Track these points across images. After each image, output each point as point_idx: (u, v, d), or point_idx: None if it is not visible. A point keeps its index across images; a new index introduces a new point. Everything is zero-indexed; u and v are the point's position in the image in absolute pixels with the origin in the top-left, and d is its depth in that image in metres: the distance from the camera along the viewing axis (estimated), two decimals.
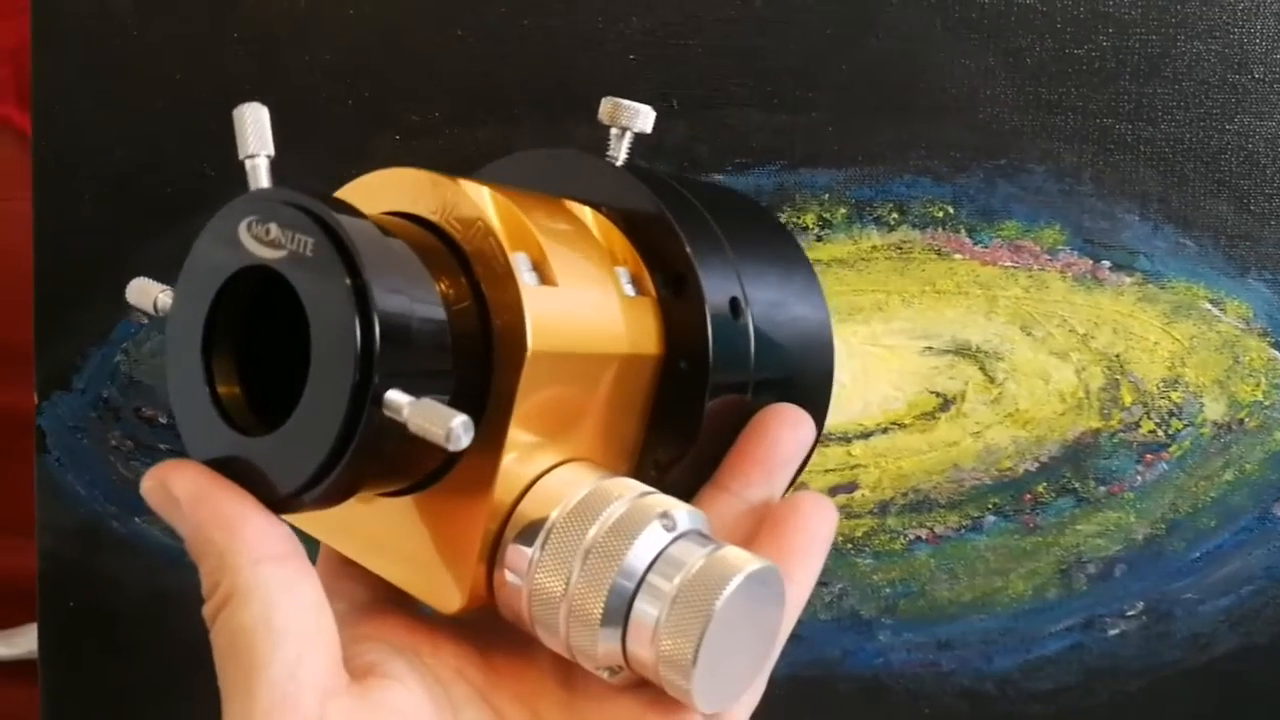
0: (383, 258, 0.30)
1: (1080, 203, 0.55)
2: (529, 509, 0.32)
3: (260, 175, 0.32)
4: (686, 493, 0.37)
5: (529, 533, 0.32)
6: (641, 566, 0.31)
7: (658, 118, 0.53)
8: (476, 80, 0.53)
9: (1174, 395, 0.56)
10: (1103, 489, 0.57)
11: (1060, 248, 0.55)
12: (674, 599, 0.30)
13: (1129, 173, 0.55)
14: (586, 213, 0.37)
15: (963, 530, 0.57)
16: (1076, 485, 0.57)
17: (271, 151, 0.32)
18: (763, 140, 0.54)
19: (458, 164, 0.54)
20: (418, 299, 0.30)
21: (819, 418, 0.40)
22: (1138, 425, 0.56)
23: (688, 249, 0.36)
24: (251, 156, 0.32)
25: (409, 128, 0.53)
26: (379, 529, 0.35)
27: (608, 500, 0.32)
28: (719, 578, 0.30)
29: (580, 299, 0.34)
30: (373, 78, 0.53)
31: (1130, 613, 0.58)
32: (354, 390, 0.28)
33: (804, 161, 0.54)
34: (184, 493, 0.31)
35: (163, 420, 0.55)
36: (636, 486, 0.33)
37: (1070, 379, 0.56)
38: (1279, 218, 0.55)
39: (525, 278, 0.32)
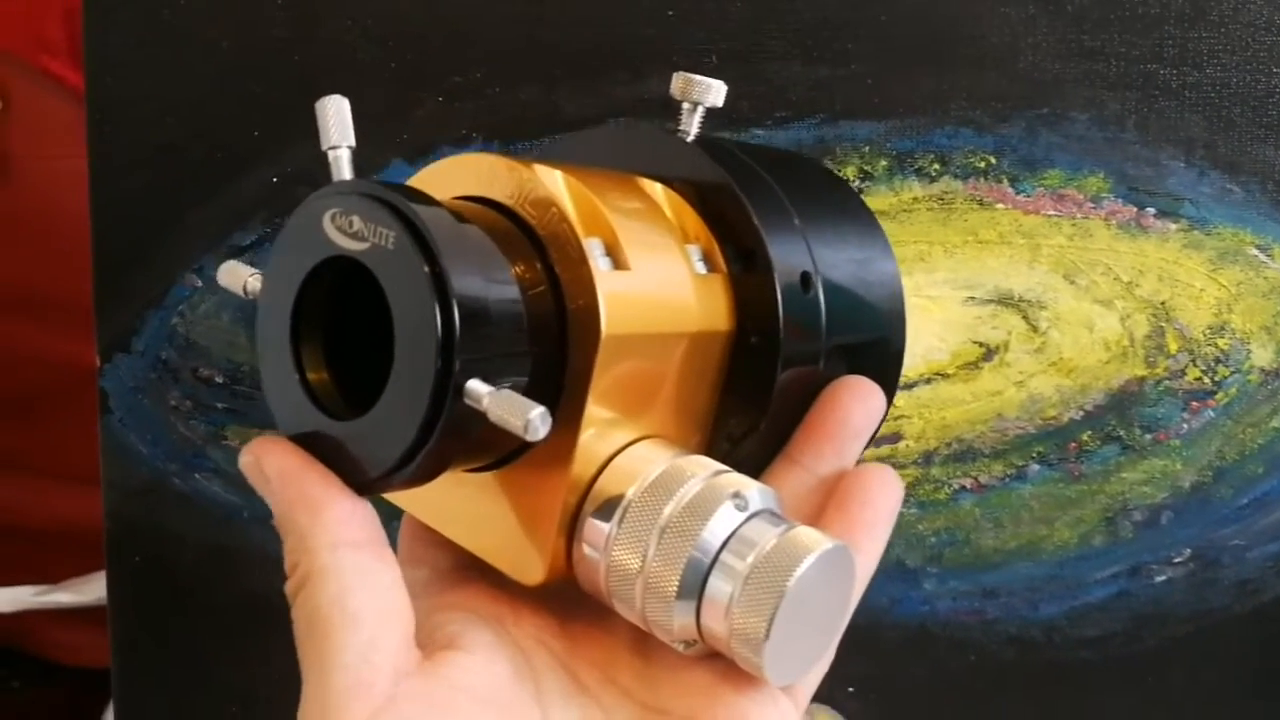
0: (461, 248, 0.31)
1: (1124, 150, 0.55)
2: (606, 485, 0.34)
3: (343, 166, 0.33)
4: (758, 464, 0.38)
5: (607, 508, 0.33)
6: (716, 544, 0.32)
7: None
8: (517, 41, 0.54)
9: (1220, 342, 0.56)
10: (1148, 437, 0.57)
11: (1104, 196, 0.55)
12: (747, 577, 0.31)
13: (1174, 119, 0.54)
14: (658, 190, 0.38)
15: (1007, 479, 0.57)
16: (1122, 433, 0.57)
17: (353, 142, 0.33)
18: (802, 94, 0.54)
19: (500, 124, 0.55)
20: (496, 286, 0.31)
21: (891, 384, 0.41)
22: (1183, 373, 0.56)
23: (756, 223, 0.36)
24: (334, 148, 0.33)
25: (450, 89, 0.54)
26: (462, 502, 0.36)
27: (682, 478, 0.33)
28: (791, 557, 0.31)
29: (652, 280, 0.34)
30: (413, 40, 0.53)
31: (1177, 560, 0.58)
32: (436, 381, 0.30)
33: (844, 114, 0.54)
34: (274, 471, 0.32)
35: (219, 380, 0.57)
36: (710, 464, 0.34)
37: (1115, 327, 0.56)
38: None
39: (599, 262, 0.33)
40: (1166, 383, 0.56)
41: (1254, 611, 0.58)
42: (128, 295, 0.56)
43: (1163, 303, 0.56)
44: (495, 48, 0.54)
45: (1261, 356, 0.56)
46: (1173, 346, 0.56)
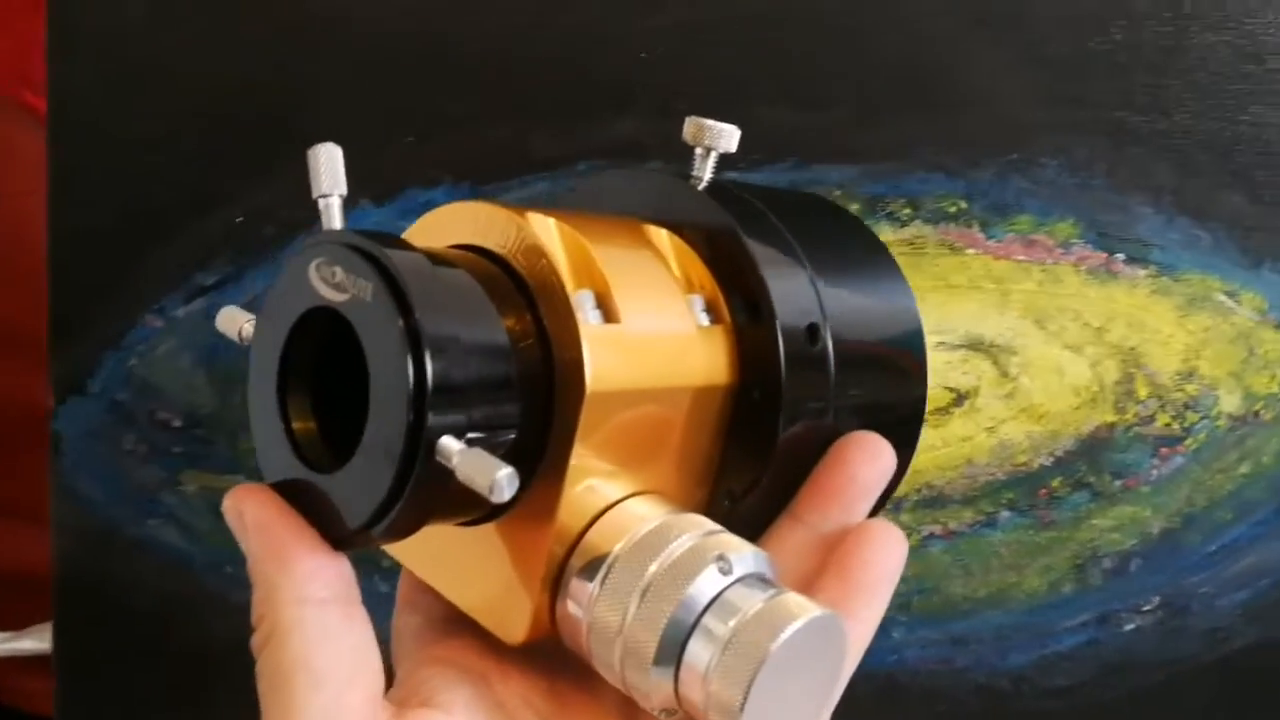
0: (441, 300, 0.30)
1: (1094, 196, 0.55)
2: (594, 542, 0.33)
3: (333, 215, 0.33)
4: (762, 522, 0.37)
5: (592, 566, 0.32)
6: (698, 608, 0.31)
7: (672, 115, 0.53)
8: (489, 82, 0.53)
9: (1189, 388, 0.56)
10: (1118, 483, 0.56)
11: (1074, 241, 0.55)
12: (727, 643, 0.30)
13: (1142, 165, 0.55)
14: (664, 237, 0.37)
15: (977, 526, 0.57)
16: (1092, 479, 0.56)
17: (344, 190, 0.33)
18: (777, 137, 0.54)
19: (471, 166, 0.54)
20: (477, 340, 0.31)
21: (911, 438, 0.40)
22: (1153, 419, 0.56)
23: (760, 272, 0.35)
24: (325, 196, 0.33)
25: (420, 130, 0.53)
26: (450, 554, 0.35)
27: (671, 537, 0.32)
28: (773, 625, 0.30)
29: (645, 334, 0.33)
30: (383, 80, 0.53)
31: (1146, 607, 0.57)
32: (407, 437, 0.29)
33: (817, 158, 0.54)
34: (251, 519, 0.32)
35: (177, 424, 0.55)
36: (703, 523, 0.33)
37: (1084, 373, 0.56)
38: None
39: (588, 315, 0.32)
40: (1136, 429, 0.56)
41: (1223, 660, 0.58)
42: (84, 336, 0.55)
43: (1132, 348, 0.56)
44: (466, 88, 0.53)
45: (1229, 402, 0.56)
46: (1142, 392, 0.56)
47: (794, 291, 0.36)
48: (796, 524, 0.36)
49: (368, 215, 0.53)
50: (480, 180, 0.53)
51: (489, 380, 0.31)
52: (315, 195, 0.33)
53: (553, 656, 0.35)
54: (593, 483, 0.33)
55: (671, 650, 0.31)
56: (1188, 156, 0.55)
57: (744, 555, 0.32)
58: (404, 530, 0.31)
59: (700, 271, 0.36)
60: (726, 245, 0.36)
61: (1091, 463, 0.56)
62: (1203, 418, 0.56)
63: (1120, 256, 0.55)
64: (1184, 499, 0.57)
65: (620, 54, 0.53)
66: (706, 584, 0.31)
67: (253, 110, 0.53)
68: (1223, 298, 0.56)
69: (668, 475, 0.35)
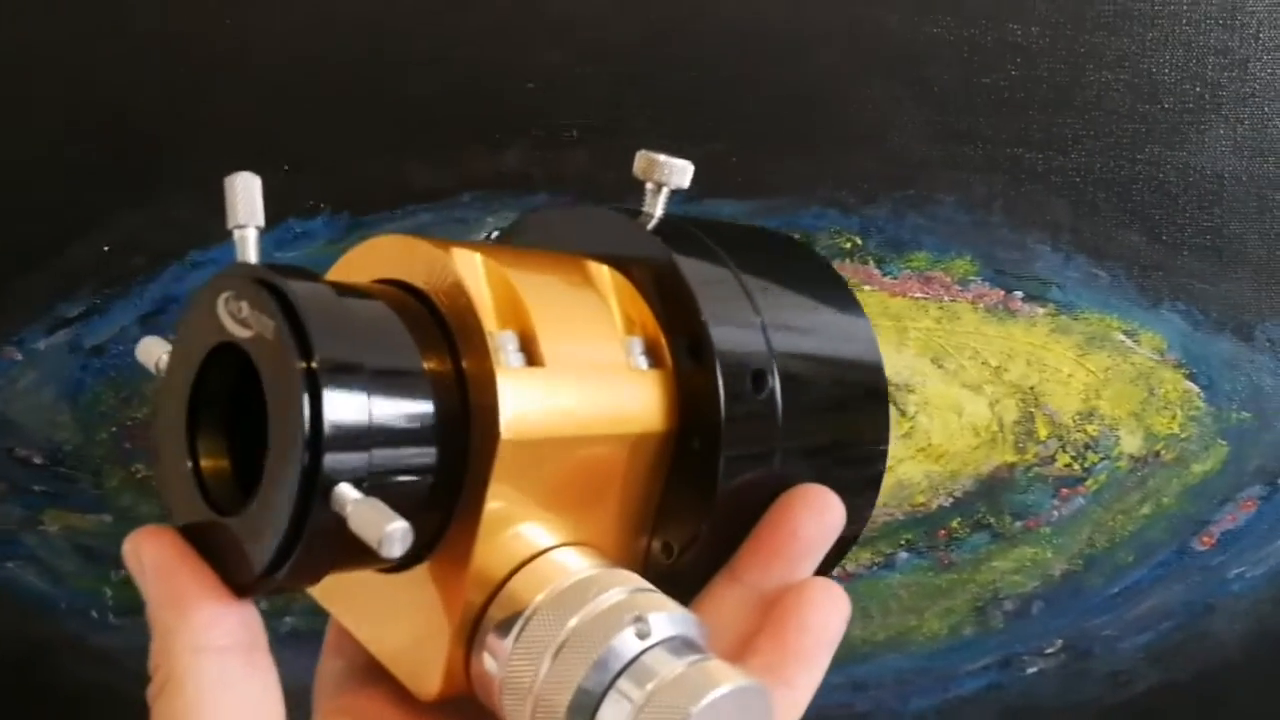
0: (349, 339, 0.29)
1: (991, 233, 0.54)
2: (514, 592, 0.31)
3: (248, 248, 0.31)
4: (701, 578, 0.35)
5: (510, 619, 0.30)
6: (615, 669, 0.29)
7: (557, 148, 0.52)
8: (368, 110, 0.51)
9: (1089, 428, 0.55)
10: (1018, 524, 0.55)
11: (971, 279, 0.54)
12: (640, 708, 0.28)
13: (1040, 203, 0.54)
14: (605, 275, 0.35)
15: (875, 568, 0.55)
16: (991, 520, 0.55)
17: (261, 223, 0.31)
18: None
19: (350, 196, 0.53)
20: (387, 381, 0.29)
21: (869, 488, 0.38)
22: (1053, 459, 0.55)
23: (702, 315, 0.33)
24: (241, 227, 0.31)
25: (296, 160, 0.52)
26: (370, 599, 0.34)
27: (594, 593, 0.30)
28: (691, 692, 0.28)
29: (571, 379, 0.32)
30: (255, 107, 0.51)
31: (1049, 650, 0.56)
32: (302, 482, 0.27)
33: (708, 193, 0.53)
34: (149, 562, 0.30)
35: (38, 461, 0.53)
36: (630, 580, 0.31)
37: (983, 412, 0.55)
38: (1191, 248, 0.54)
39: (510, 357, 0.31)
40: (1036, 469, 0.55)
41: (1126, 703, 0.57)
42: None
43: (1031, 387, 0.55)
44: (344, 116, 0.51)
45: (1130, 443, 0.55)
46: (1042, 432, 0.55)
47: (739, 335, 0.34)
48: (734, 582, 0.34)
49: None
50: (360, 210, 0.52)
51: (399, 423, 0.29)
52: (230, 225, 0.31)
53: (472, 712, 0.33)
54: (518, 530, 0.31)
55: (584, 713, 0.29)
56: (1085, 195, 0.54)
57: (666, 617, 0.30)
58: (306, 578, 0.30)
59: (643, 312, 0.35)
60: (670, 284, 0.34)
61: (991, 503, 0.55)
62: (1104, 458, 0.55)
63: (1018, 294, 0.54)
64: (1085, 540, 0.56)
65: (505, 84, 0.52)
66: (624, 645, 0.29)
67: (122, 137, 0.51)
68: (1122, 337, 0.55)
69: (604, 525, 0.33)
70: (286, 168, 0.51)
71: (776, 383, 0.34)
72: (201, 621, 0.29)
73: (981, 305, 0.54)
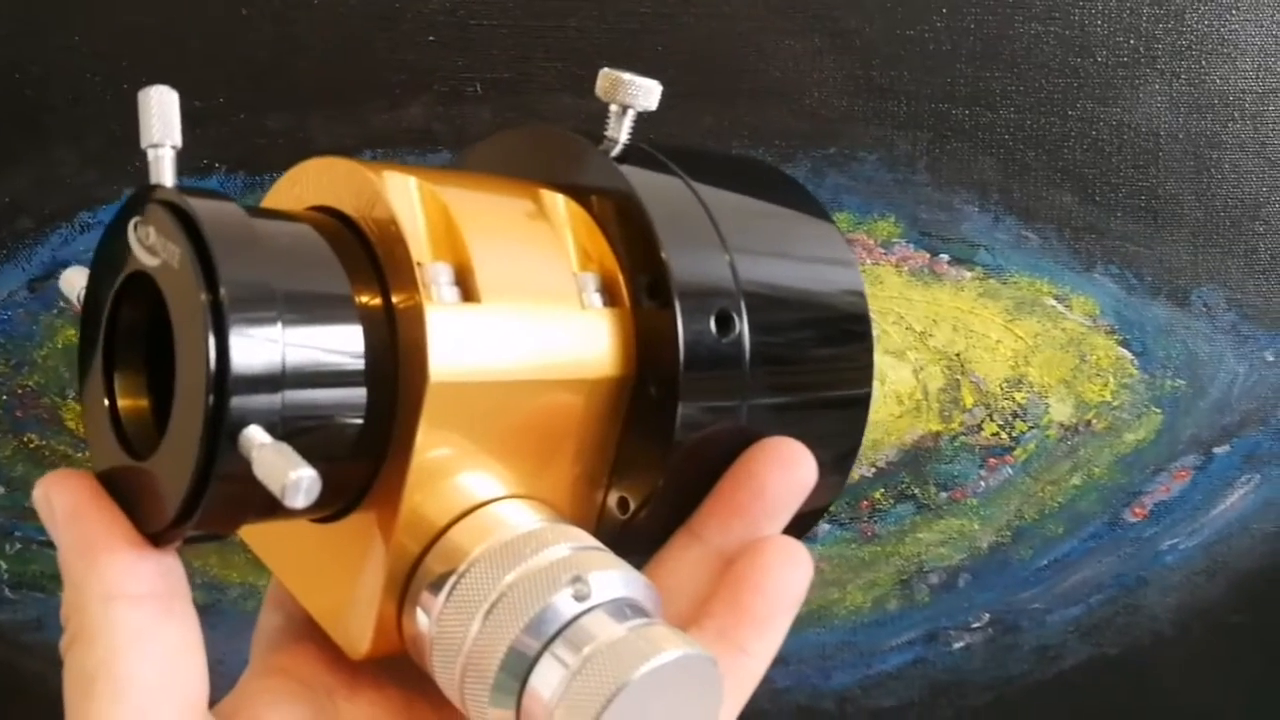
0: (261, 272, 0.26)
1: (916, 193, 0.52)
2: (449, 548, 0.29)
3: (163, 169, 0.28)
4: (660, 536, 0.32)
5: (443, 576, 0.28)
6: (550, 631, 0.27)
7: (460, 103, 0.50)
8: (265, 64, 0.49)
9: (1018, 396, 0.53)
10: (944, 495, 0.54)
11: (895, 240, 0.52)
12: (575, 673, 0.26)
13: (967, 161, 0.52)
14: (559, 205, 0.32)
15: None
16: (916, 491, 0.54)
17: (178, 141, 0.28)
18: (573, 126, 0.50)
19: (247, 154, 0.51)
20: (307, 315, 0.27)
21: (848, 445, 0.35)
22: (980, 428, 0.53)
23: (661, 251, 0.30)
24: (156, 146, 0.28)
25: (190, 113, 0.49)
26: (303, 553, 0.31)
27: (533, 548, 0.28)
28: (630, 659, 0.26)
29: (512, 316, 0.29)
30: (147, 59, 0.49)
31: (975, 625, 0.55)
32: (207, 425, 0.25)
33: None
34: (61, 509, 0.28)
35: None
36: (578, 537, 0.29)
37: (908, 379, 0.53)
38: (1125, 209, 0.52)
39: (442, 292, 0.28)
40: (963, 438, 0.54)
41: (1056, 678, 0.55)
42: None
43: (958, 354, 0.53)
44: (241, 71, 0.49)
45: (1060, 411, 0.53)
46: (968, 400, 0.53)
47: (703, 273, 0.31)
48: (693, 540, 0.32)
49: None
50: (256, 169, 0.50)
51: (319, 363, 0.27)
52: (145, 145, 0.28)
53: (411, 672, 0.31)
54: (456, 480, 0.29)
55: (515, 676, 0.27)
56: (1014, 153, 0.52)
57: (609, 575, 0.28)
58: (219, 526, 0.28)
59: (600, 246, 0.32)
60: (629, 216, 0.31)
61: (916, 474, 0.54)
62: (1032, 427, 0.54)
63: (944, 257, 0.52)
64: (1013, 511, 0.54)
65: (407, 37, 0.49)
66: (562, 605, 0.27)
67: (4, 93, 0.49)
68: (1053, 302, 0.53)
69: (556, 478, 0.31)
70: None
71: (744, 325, 0.31)
72: (114, 569, 0.27)
73: (906, 268, 0.52)
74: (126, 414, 0.29)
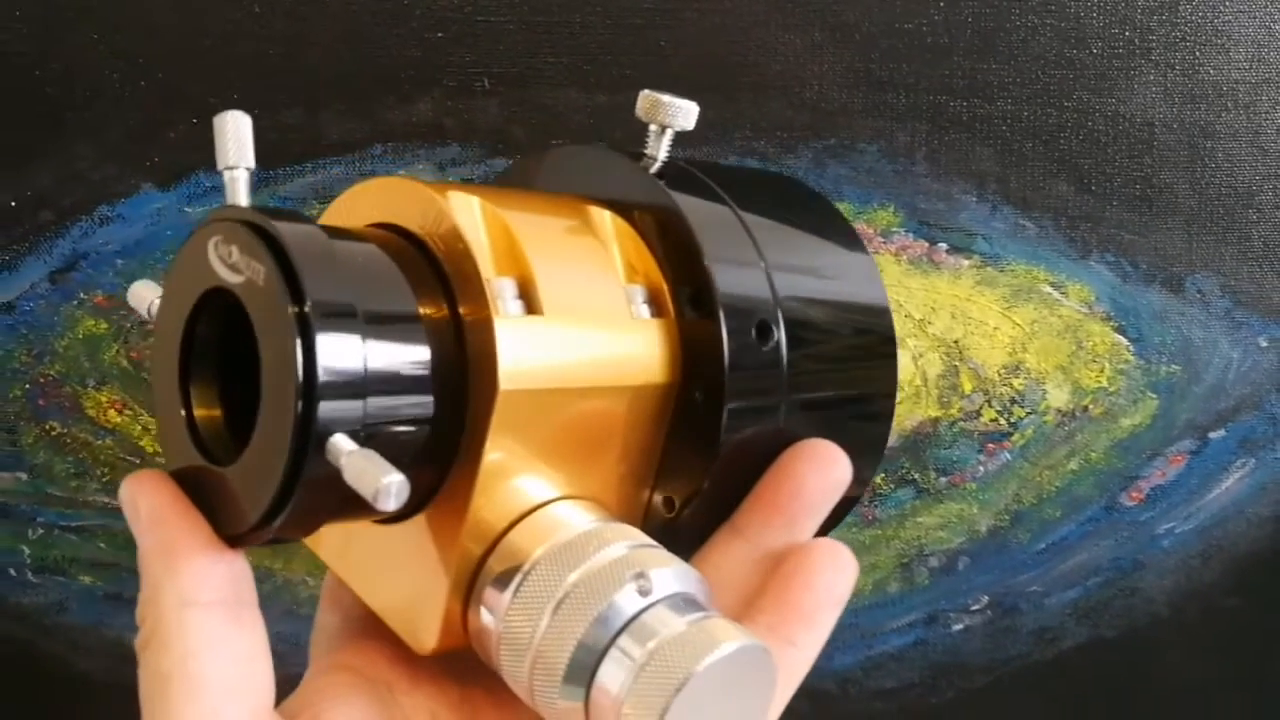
0: (343, 285, 0.28)
1: (914, 183, 0.53)
2: (514, 545, 0.30)
3: (239, 189, 0.30)
4: (704, 532, 0.34)
5: (509, 572, 0.30)
6: (616, 626, 0.29)
7: (469, 98, 0.51)
8: (277, 61, 0.51)
9: (1015, 382, 0.54)
10: (943, 480, 0.55)
11: (894, 230, 0.53)
12: (643, 667, 0.28)
13: (965, 152, 0.53)
14: (608, 221, 0.34)
15: None
16: (916, 476, 0.55)
17: (252, 164, 0.31)
18: (580, 120, 0.52)
19: (260, 149, 0.52)
20: (383, 327, 0.29)
21: (875, 443, 0.37)
22: (978, 413, 0.55)
23: (706, 263, 0.32)
24: (231, 168, 0.31)
25: (206, 110, 0.51)
26: (368, 551, 0.33)
27: (594, 547, 0.30)
28: (693, 652, 0.28)
29: (571, 328, 0.31)
30: (165, 57, 0.50)
31: (974, 607, 0.56)
32: (296, 433, 0.27)
33: (624, 143, 0.52)
34: (145, 510, 0.30)
35: None
36: (632, 535, 0.31)
37: (907, 366, 0.54)
38: (1120, 198, 0.53)
39: (508, 306, 0.30)
40: (961, 424, 0.55)
41: (1054, 660, 0.56)
42: None
43: (956, 341, 0.54)
44: (253, 67, 0.51)
45: (1057, 397, 0.54)
46: (967, 386, 0.54)
47: (744, 285, 0.33)
48: (736, 537, 0.34)
49: (152, 200, 0.51)
50: (269, 164, 0.51)
51: (395, 371, 0.29)
52: (221, 167, 0.31)
53: (471, 666, 0.32)
54: (516, 482, 0.31)
55: (584, 669, 0.28)
56: (1011, 143, 0.53)
57: (668, 572, 0.29)
58: (300, 529, 0.29)
59: (645, 260, 0.34)
60: (673, 231, 0.33)
61: (916, 459, 0.55)
62: (1030, 413, 0.55)
63: (943, 246, 0.53)
64: (1012, 496, 0.55)
65: (415, 33, 0.51)
66: (625, 601, 0.29)
67: (20, 90, 0.50)
68: (1049, 289, 0.54)
69: (604, 478, 0.33)
70: (195, 120, 0.51)
71: (782, 333, 0.33)
72: (190, 575, 0.29)
73: (905, 257, 0.53)
74: (202, 423, 0.30)
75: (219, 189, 0.51)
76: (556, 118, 0.52)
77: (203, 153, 0.51)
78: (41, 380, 0.52)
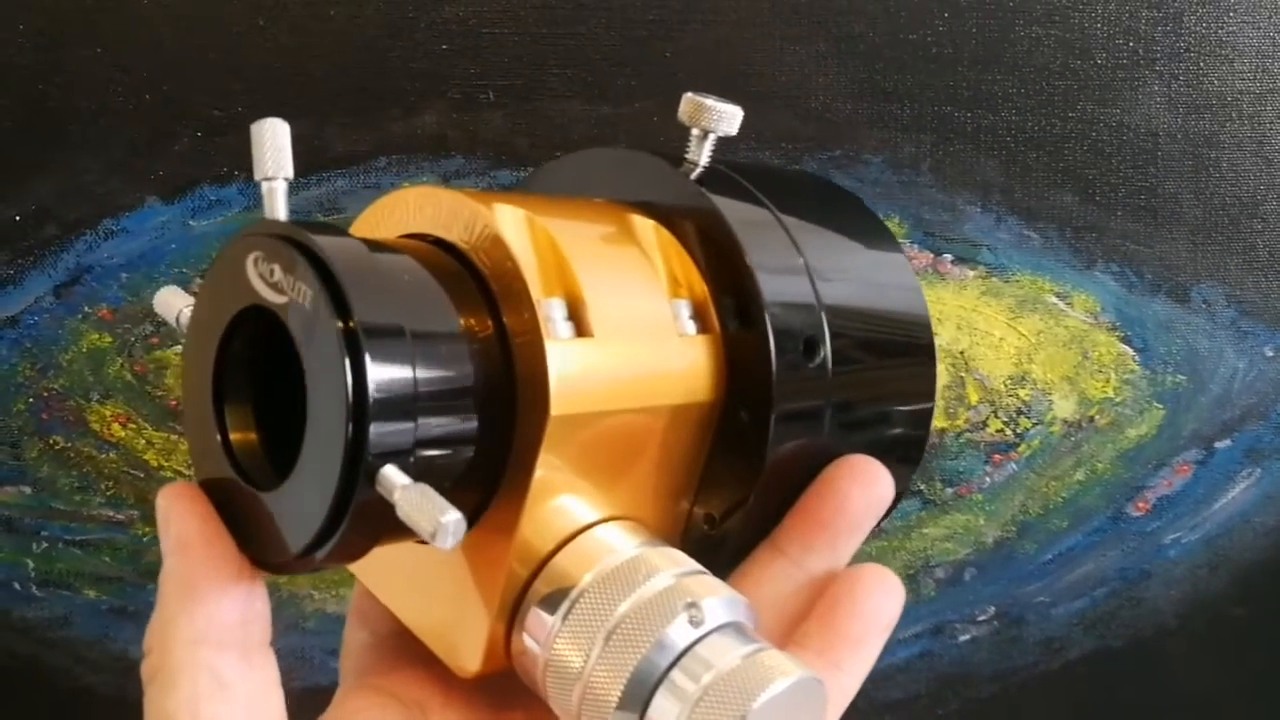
0: (388, 305, 0.27)
1: (920, 194, 0.53)
2: (561, 568, 0.30)
3: (277, 202, 0.29)
4: (745, 548, 0.33)
5: (554, 597, 0.29)
6: (669, 658, 0.28)
7: (474, 110, 0.51)
8: (282, 73, 0.51)
9: (1022, 393, 0.54)
10: (950, 491, 0.55)
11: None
12: (698, 701, 0.27)
13: (969, 163, 0.53)
14: (650, 230, 0.33)
15: None
16: (923, 487, 0.55)
17: (290, 174, 0.29)
18: (585, 132, 0.52)
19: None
20: (430, 349, 0.28)
21: (913, 456, 0.37)
22: (985, 424, 0.54)
23: (756, 278, 0.31)
24: (269, 179, 0.29)
25: (210, 123, 0.51)
26: (406, 570, 0.32)
27: (644, 575, 0.29)
28: (749, 687, 0.27)
29: (620, 348, 0.30)
30: (169, 70, 0.50)
31: (981, 618, 0.56)
32: (346, 459, 0.26)
33: None
34: (175, 533, 0.29)
35: None
36: (679, 561, 0.30)
37: None
38: (1125, 208, 0.53)
39: (558, 328, 0.29)
40: (968, 435, 0.54)
41: (1060, 670, 0.56)
42: None
43: (962, 352, 0.54)
44: (259, 80, 0.51)
45: (1063, 408, 0.54)
46: (973, 397, 0.54)
47: (792, 299, 0.32)
48: (779, 555, 0.33)
49: (156, 213, 0.51)
50: None
51: (442, 394, 0.28)
52: (258, 178, 0.29)
53: (505, 689, 0.32)
54: (562, 503, 0.30)
55: (637, 701, 0.28)
56: (1016, 154, 0.53)
57: (719, 602, 0.29)
58: (346, 558, 0.28)
59: (689, 271, 0.33)
60: (718, 242, 0.32)
61: (922, 470, 0.54)
62: (1036, 423, 0.55)
63: (948, 257, 0.53)
64: (1018, 507, 0.55)
65: (420, 45, 0.51)
66: (677, 633, 0.28)
67: (22, 102, 0.50)
68: (1054, 300, 0.54)
69: (645, 494, 0.32)
70: (199, 133, 0.51)
71: (828, 350, 0.33)
72: (205, 614, 0.28)
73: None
74: (238, 446, 0.29)
75: (224, 201, 0.51)
76: (561, 129, 0.52)
77: (207, 166, 0.51)
78: (45, 394, 0.52)
